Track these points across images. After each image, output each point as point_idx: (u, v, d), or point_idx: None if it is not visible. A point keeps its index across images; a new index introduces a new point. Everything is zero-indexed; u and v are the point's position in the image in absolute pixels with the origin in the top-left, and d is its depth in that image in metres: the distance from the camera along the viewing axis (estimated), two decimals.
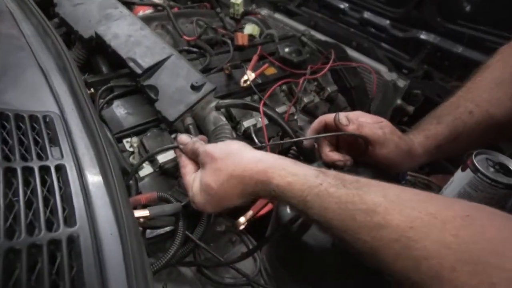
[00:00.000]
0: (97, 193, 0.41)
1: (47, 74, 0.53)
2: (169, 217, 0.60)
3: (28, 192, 0.38)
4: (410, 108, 1.29)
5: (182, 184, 0.76)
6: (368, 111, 1.25)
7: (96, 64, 0.98)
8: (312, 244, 0.59)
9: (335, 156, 0.62)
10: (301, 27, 1.46)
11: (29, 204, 0.38)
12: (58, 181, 0.40)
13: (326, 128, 0.64)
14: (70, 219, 0.39)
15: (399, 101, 1.31)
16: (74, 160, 0.43)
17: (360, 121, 0.60)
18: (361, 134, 0.58)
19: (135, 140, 0.82)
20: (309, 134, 0.66)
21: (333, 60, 1.04)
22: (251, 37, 1.16)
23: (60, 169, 0.42)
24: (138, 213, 0.56)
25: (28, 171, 0.40)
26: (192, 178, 0.57)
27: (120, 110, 0.85)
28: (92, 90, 0.84)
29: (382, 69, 1.28)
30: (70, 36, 0.97)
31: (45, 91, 0.49)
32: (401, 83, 1.26)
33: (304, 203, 0.44)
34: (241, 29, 1.21)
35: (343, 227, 0.41)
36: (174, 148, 0.60)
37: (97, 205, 0.40)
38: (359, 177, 0.45)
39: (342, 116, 0.60)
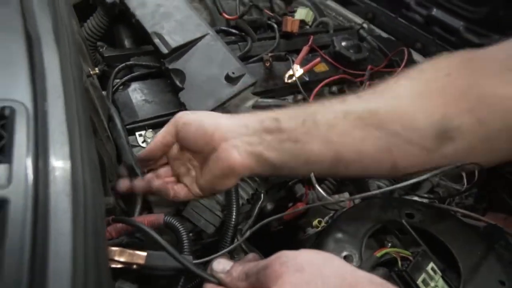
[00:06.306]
0: None
1: (35, 41, 0.38)
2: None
3: None
4: None
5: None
6: None
7: (118, 36, 0.83)
8: None
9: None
10: (358, 20, 1.25)
11: None
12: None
13: None
14: None
15: None
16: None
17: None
18: None
19: (149, 134, 0.67)
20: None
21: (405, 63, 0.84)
22: (302, 23, 0.97)
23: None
24: (131, 257, 0.41)
25: None
26: None
27: (137, 96, 0.70)
28: (103, 67, 0.69)
29: None
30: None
31: (19, 69, 0.33)
32: None
33: None
34: (291, 12, 1.02)
35: None
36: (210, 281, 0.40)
37: None
38: None
39: None
